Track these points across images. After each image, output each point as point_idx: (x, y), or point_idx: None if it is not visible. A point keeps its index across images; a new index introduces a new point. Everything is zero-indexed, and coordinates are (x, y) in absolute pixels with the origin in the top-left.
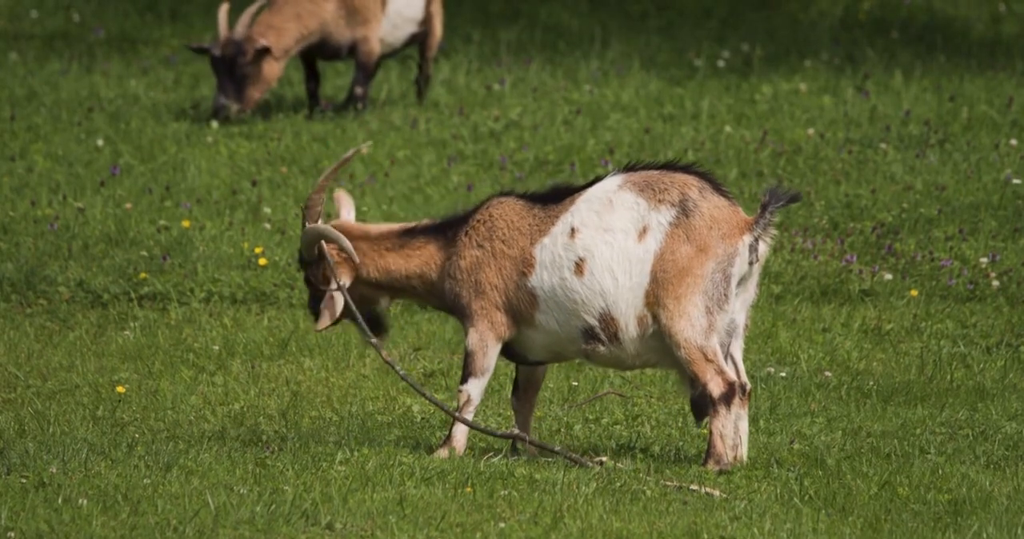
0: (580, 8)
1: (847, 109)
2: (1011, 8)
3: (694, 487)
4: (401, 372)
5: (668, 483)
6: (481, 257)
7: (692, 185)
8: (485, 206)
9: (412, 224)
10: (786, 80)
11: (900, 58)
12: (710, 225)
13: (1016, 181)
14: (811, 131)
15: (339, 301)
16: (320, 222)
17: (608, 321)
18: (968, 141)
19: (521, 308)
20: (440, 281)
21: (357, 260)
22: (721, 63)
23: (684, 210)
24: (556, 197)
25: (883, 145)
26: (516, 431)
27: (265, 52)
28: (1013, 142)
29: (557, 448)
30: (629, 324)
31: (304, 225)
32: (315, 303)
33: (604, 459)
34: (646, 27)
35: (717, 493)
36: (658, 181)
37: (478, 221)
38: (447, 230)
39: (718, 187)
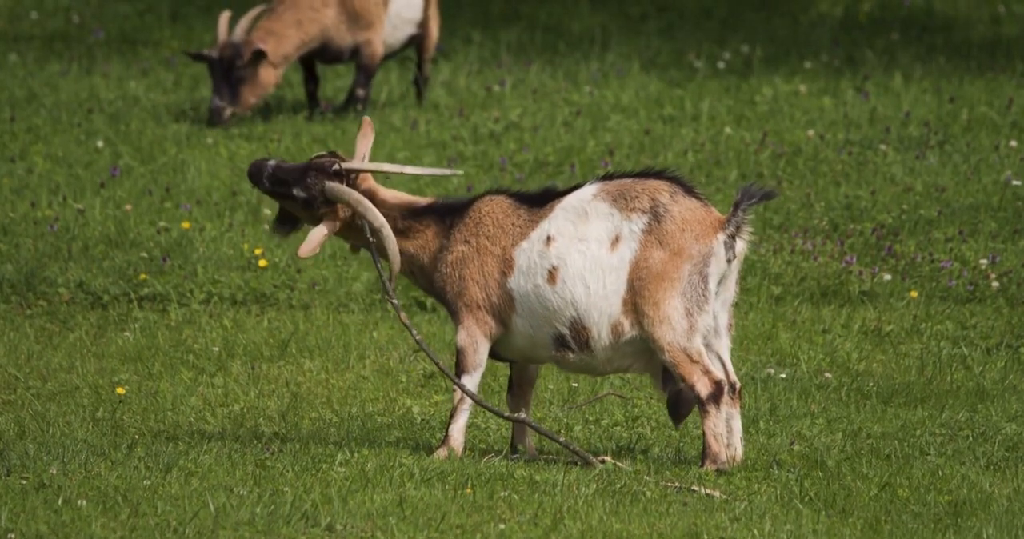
0: (580, 9)
1: (847, 110)
2: (1011, 9)
3: (695, 488)
4: (417, 337)
5: (669, 484)
6: (467, 253)
7: (663, 190)
8: (477, 202)
9: (420, 203)
10: (786, 81)
11: (900, 59)
12: (682, 228)
13: (1016, 182)
14: (811, 132)
15: (323, 235)
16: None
17: (579, 330)
18: (968, 142)
19: (501, 307)
20: (430, 267)
21: (396, 257)
22: (721, 64)
23: (656, 216)
24: (541, 201)
25: (883, 146)
26: (523, 415)
27: (261, 55)
28: (1013, 143)
29: (561, 439)
30: (602, 332)
31: (338, 175)
32: (286, 222)
33: (607, 458)
34: (646, 28)
35: (718, 494)
36: (630, 189)
37: (469, 217)
38: (447, 217)
39: (690, 190)
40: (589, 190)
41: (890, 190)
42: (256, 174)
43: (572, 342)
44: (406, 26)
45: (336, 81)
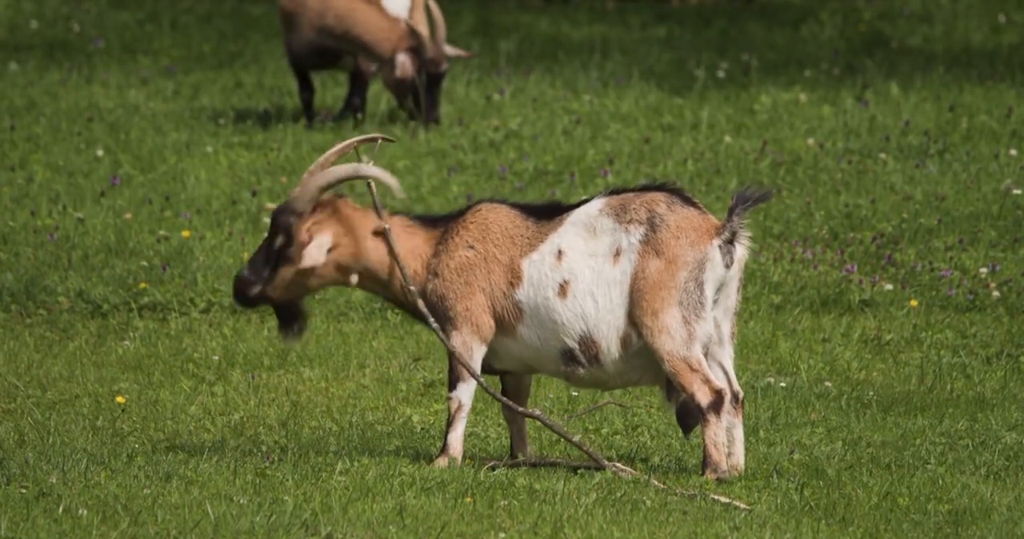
0: (580, 18)
1: (847, 119)
2: (1011, 18)
3: (725, 500)
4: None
5: (683, 492)
6: (472, 258)
7: (660, 201)
8: (477, 208)
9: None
10: (786, 90)
11: (900, 68)
12: (677, 235)
13: (1016, 191)
14: (811, 141)
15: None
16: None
17: (588, 344)
18: (968, 151)
19: (505, 317)
20: (419, 274)
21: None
22: (721, 73)
23: (652, 226)
24: (548, 214)
25: (883, 155)
26: (537, 412)
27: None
28: (1013, 152)
29: (575, 438)
30: (611, 346)
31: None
32: (289, 321)
33: (619, 465)
34: (646, 37)
35: (742, 504)
36: (630, 202)
37: (470, 222)
38: (439, 224)
39: (688, 199)
40: (595, 205)
41: (890, 199)
42: (239, 285)
43: (581, 356)
44: None
45: (336, 89)
